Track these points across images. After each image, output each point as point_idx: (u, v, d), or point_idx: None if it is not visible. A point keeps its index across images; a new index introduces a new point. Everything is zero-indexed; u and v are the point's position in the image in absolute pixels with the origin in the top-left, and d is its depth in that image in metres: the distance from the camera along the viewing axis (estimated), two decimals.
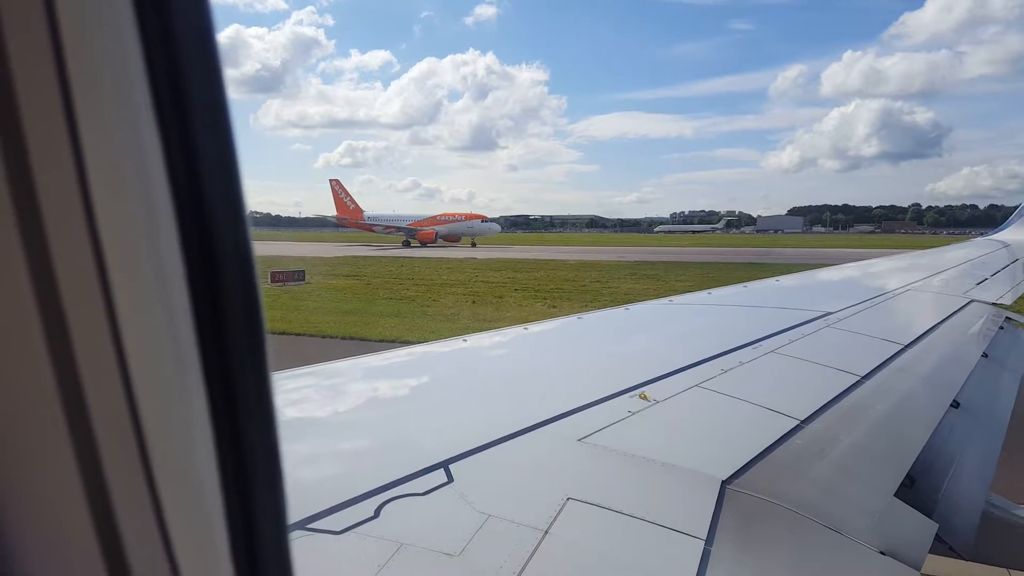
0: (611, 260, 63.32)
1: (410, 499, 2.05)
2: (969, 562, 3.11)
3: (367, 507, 1.96)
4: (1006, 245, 13.65)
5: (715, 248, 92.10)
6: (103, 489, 0.68)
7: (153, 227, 0.65)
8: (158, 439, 0.68)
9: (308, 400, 3.16)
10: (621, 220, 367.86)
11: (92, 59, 0.61)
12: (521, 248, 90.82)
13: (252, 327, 0.74)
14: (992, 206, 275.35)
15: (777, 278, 9.01)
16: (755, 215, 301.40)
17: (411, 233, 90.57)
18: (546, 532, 1.95)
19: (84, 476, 0.68)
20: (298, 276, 42.00)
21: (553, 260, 63.33)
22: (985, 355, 5.38)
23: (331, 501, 1.96)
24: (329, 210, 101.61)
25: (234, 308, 0.72)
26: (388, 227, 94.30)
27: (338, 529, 1.84)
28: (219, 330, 0.71)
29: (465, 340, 4.47)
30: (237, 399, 0.74)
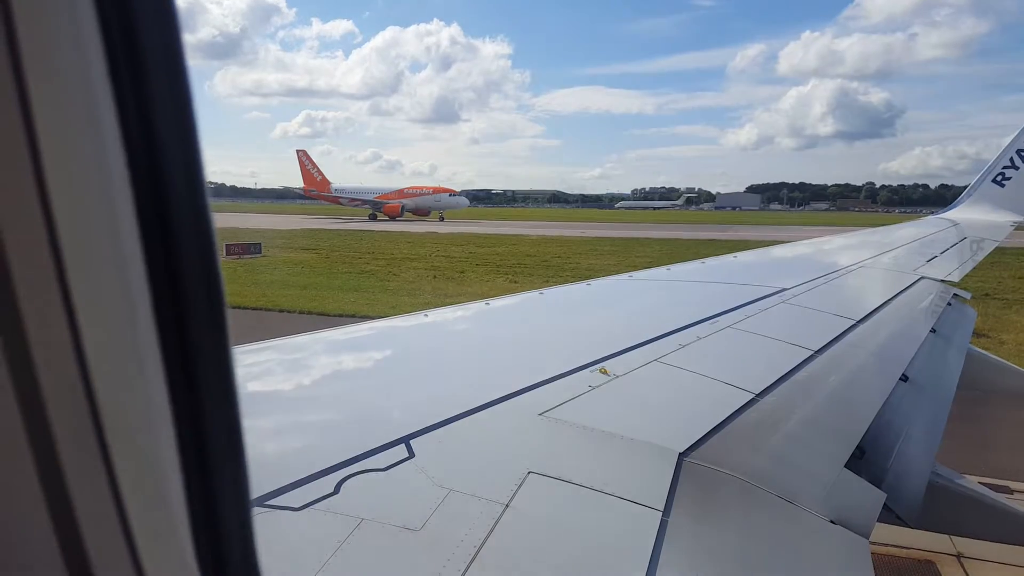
0: (573, 235, 63.57)
1: (371, 475, 2.04)
2: (915, 530, 3.23)
3: (327, 483, 1.95)
4: (955, 224, 13.97)
5: (676, 224, 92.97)
6: (58, 471, 0.65)
7: (108, 200, 0.62)
8: (115, 419, 0.65)
9: (268, 375, 3.11)
10: (583, 195, 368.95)
11: (44, 26, 0.57)
12: (486, 223, 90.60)
13: (212, 302, 0.71)
14: (943, 185, 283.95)
15: (734, 254, 9.13)
16: (714, 192, 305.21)
17: (377, 206, 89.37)
18: (507, 506, 1.96)
19: (37, 456, 0.65)
20: (254, 249, 41.29)
21: (516, 235, 63.34)
22: (933, 330, 5.55)
23: (290, 477, 1.94)
24: (292, 181, 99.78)
25: (193, 282, 0.69)
26: (354, 200, 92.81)
27: (297, 505, 1.82)
28: (178, 307, 0.68)
29: (426, 315, 4.44)
30: (197, 377, 0.71)
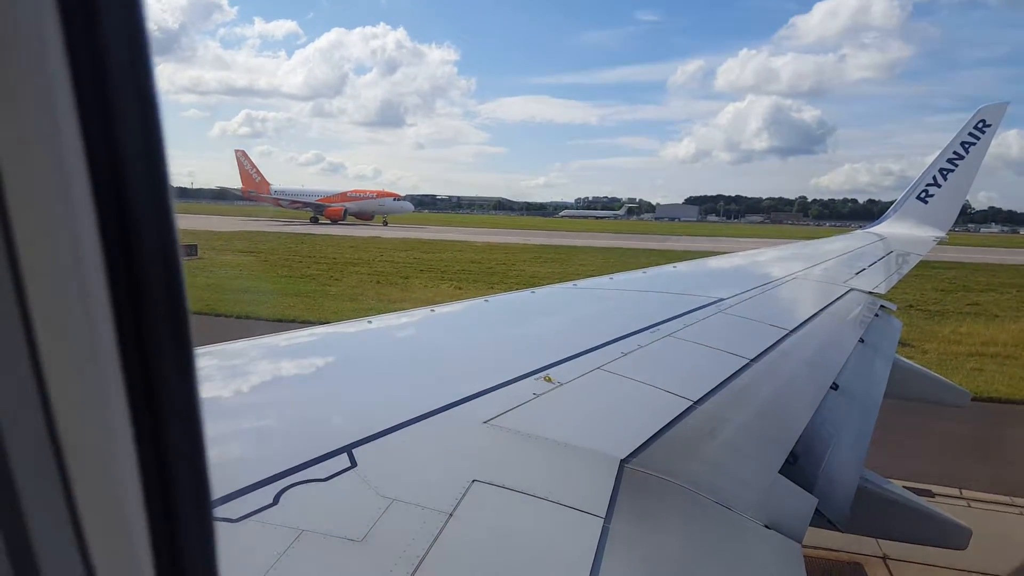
0: (517, 243, 63.84)
1: (311, 485, 2.00)
2: (844, 533, 3.35)
3: (266, 494, 1.90)
4: (882, 238, 14.57)
5: (618, 233, 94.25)
6: (10, 483, 0.63)
7: (67, 200, 0.59)
8: (71, 427, 0.63)
9: (204, 382, 3.00)
10: (528, 203, 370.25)
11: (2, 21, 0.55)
12: (431, 228, 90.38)
13: (174, 306, 0.69)
14: (870, 201, 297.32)
15: (674, 265, 9.32)
16: (654, 203, 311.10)
17: (319, 209, 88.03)
18: (451, 515, 1.95)
19: None
20: (189, 251, 40.05)
21: (461, 241, 63.25)
22: (862, 340, 5.77)
23: (228, 488, 1.89)
24: (231, 181, 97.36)
25: (154, 286, 0.67)
26: (295, 202, 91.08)
27: (235, 517, 1.78)
28: (138, 310, 0.65)
29: (370, 321, 4.39)
30: (158, 384, 0.69)
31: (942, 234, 15.48)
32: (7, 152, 0.56)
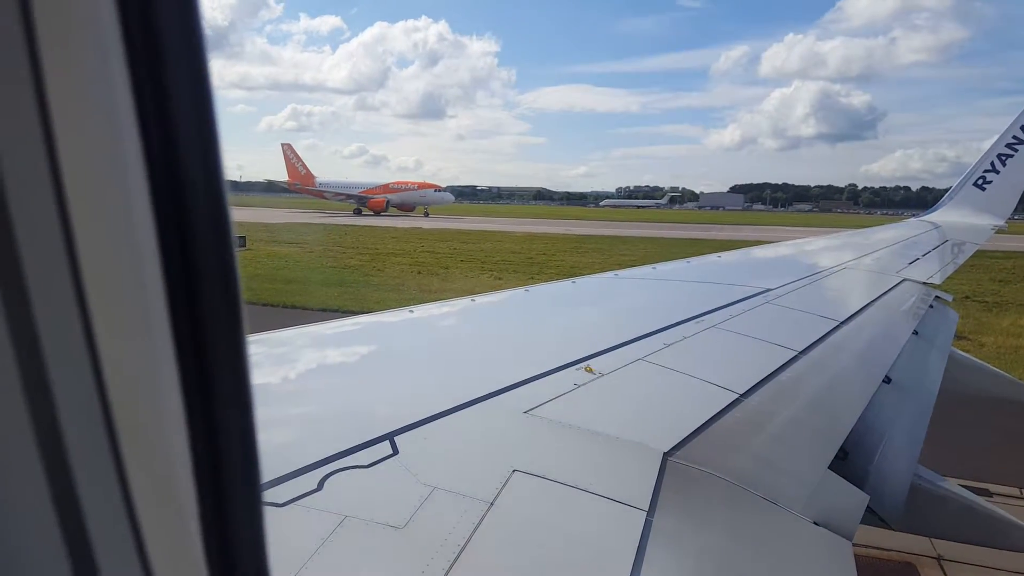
0: (558, 233, 63.60)
1: (355, 471, 2.02)
2: (897, 532, 3.24)
3: (311, 479, 1.93)
4: (937, 226, 14.02)
5: (660, 223, 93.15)
6: (66, 468, 0.65)
7: (125, 193, 0.60)
8: (126, 415, 0.65)
9: (252, 369, 3.06)
10: (568, 193, 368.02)
11: (63, 13, 0.55)
12: (471, 219, 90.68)
13: (228, 297, 0.70)
14: (924, 188, 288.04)
15: (719, 254, 9.14)
16: (698, 191, 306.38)
17: (362, 201, 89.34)
18: (491, 504, 1.95)
19: (44, 453, 0.64)
20: (239, 242, 40.84)
21: (501, 231, 63.28)
22: (915, 333, 5.58)
23: (274, 473, 1.92)
24: (277, 174, 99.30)
25: (209, 277, 0.68)
26: (339, 194, 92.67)
27: (281, 501, 1.81)
28: (192, 302, 0.67)
29: (411, 311, 4.41)
30: (211, 372, 0.70)
31: (1001, 222, 14.77)
32: (68, 148, 0.57)
